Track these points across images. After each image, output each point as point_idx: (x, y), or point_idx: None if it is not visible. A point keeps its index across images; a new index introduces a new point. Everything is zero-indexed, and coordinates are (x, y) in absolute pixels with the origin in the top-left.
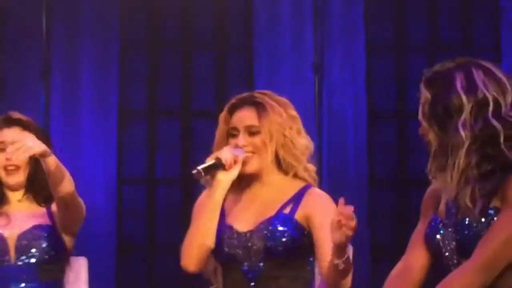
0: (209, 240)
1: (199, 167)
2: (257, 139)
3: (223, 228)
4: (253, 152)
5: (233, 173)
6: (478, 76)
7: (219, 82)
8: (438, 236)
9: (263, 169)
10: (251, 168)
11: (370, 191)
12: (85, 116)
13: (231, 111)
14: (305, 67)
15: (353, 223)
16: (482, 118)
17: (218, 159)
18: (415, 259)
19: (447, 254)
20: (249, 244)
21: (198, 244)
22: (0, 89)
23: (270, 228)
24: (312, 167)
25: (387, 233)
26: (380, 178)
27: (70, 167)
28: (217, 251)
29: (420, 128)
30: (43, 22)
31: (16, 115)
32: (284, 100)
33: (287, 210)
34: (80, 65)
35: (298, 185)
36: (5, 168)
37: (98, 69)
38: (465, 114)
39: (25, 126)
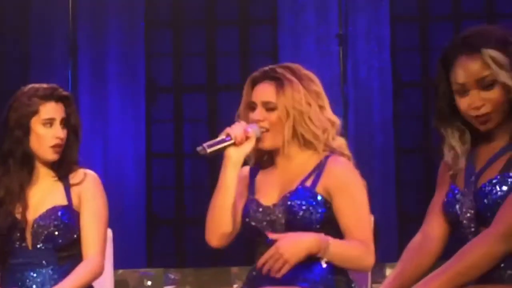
0: (226, 217)
1: (205, 144)
2: (273, 116)
3: (250, 202)
4: (268, 129)
5: (244, 149)
6: None
7: (244, 56)
8: (456, 205)
9: (278, 145)
10: (266, 144)
11: (397, 160)
12: (113, 91)
13: (253, 84)
14: (329, 39)
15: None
16: None
17: (228, 135)
18: (433, 229)
19: (464, 222)
20: (273, 218)
21: (215, 221)
22: (28, 66)
23: (291, 201)
24: (342, 141)
25: (414, 201)
26: (406, 147)
27: (99, 141)
28: (244, 225)
29: (482, 98)
30: None
31: (62, 91)
32: (308, 75)
33: (308, 183)
34: (107, 41)
35: (320, 155)
36: (53, 146)
37: (124, 45)
38: None
39: (69, 104)
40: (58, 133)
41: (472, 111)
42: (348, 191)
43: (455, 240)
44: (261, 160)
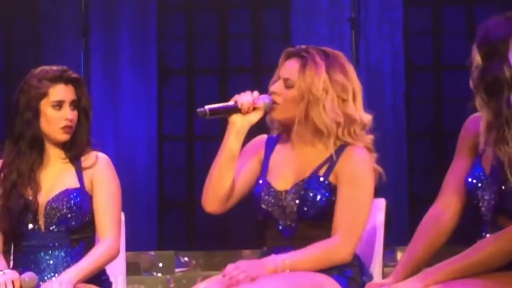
0: (223, 183)
1: (207, 106)
2: (288, 93)
3: (263, 184)
4: (278, 103)
5: (250, 118)
6: None
7: (256, 40)
8: (479, 190)
9: (288, 121)
10: (275, 115)
11: (409, 144)
12: (125, 74)
13: (286, 58)
14: (342, 23)
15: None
16: None
17: (235, 102)
18: (448, 205)
19: (483, 209)
20: (284, 204)
21: (213, 184)
22: (39, 49)
23: (303, 191)
24: (365, 138)
25: (425, 185)
26: (418, 131)
27: (111, 124)
28: (256, 207)
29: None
30: None
31: (71, 73)
32: (344, 65)
33: (321, 172)
34: (119, 24)
35: (337, 143)
36: (63, 128)
37: (136, 27)
38: None
39: (79, 86)
40: (67, 114)
41: None
42: (352, 185)
43: (468, 218)
44: (283, 131)
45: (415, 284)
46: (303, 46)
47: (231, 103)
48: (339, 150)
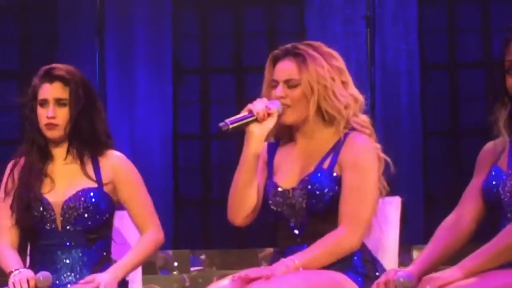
0: (248, 195)
1: (227, 120)
2: (295, 92)
3: (270, 186)
4: (289, 106)
5: (267, 125)
6: None
7: (271, 37)
8: (499, 186)
9: (300, 121)
10: (287, 119)
11: (424, 142)
12: (140, 72)
13: (274, 62)
14: (357, 21)
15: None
16: None
17: (250, 111)
18: (467, 211)
19: (506, 200)
20: (293, 202)
21: (239, 199)
22: (55, 46)
23: (309, 186)
24: (365, 118)
25: (441, 183)
26: (433, 129)
27: (126, 122)
28: (266, 208)
29: None
30: None
31: (58, 70)
32: (330, 51)
33: (326, 164)
34: (134, 22)
35: (340, 133)
36: (46, 125)
37: (151, 26)
38: None
39: (67, 83)
40: (49, 113)
41: None
42: (355, 172)
43: (490, 224)
44: (281, 136)
45: (455, 273)
46: (289, 46)
47: (245, 113)
48: (341, 139)
